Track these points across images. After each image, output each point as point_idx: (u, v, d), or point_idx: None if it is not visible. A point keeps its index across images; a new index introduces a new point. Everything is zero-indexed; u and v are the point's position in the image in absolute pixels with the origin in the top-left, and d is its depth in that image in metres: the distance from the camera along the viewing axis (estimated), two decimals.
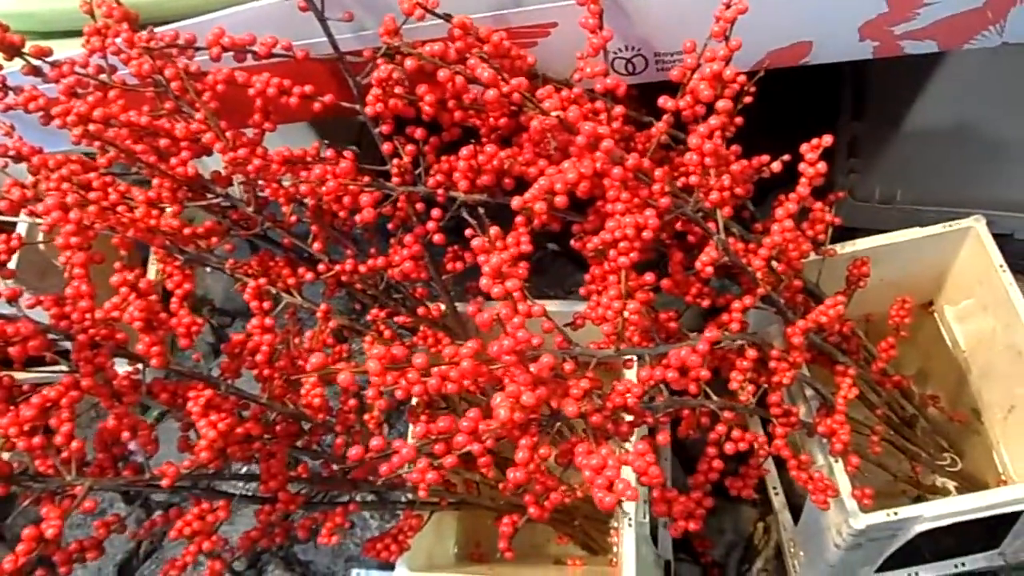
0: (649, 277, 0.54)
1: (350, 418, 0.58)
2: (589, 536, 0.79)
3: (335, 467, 0.60)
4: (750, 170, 0.53)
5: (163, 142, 0.54)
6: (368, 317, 0.67)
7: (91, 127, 0.48)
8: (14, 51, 0.52)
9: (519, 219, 0.52)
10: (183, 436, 0.55)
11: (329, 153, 0.50)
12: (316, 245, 0.60)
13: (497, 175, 0.53)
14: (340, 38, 0.56)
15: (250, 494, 0.59)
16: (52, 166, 0.54)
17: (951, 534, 0.67)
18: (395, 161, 0.52)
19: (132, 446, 0.76)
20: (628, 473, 0.41)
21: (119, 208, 0.54)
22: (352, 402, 0.60)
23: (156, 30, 0.52)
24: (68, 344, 0.48)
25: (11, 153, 0.55)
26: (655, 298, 0.54)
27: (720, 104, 0.46)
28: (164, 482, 0.49)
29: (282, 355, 0.61)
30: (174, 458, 0.52)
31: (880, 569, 0.74)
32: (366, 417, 0.59)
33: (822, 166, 0.51)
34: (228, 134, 0.54)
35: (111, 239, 0.55)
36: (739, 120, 0.58)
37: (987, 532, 0.73)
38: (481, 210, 0.51)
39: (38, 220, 0.50)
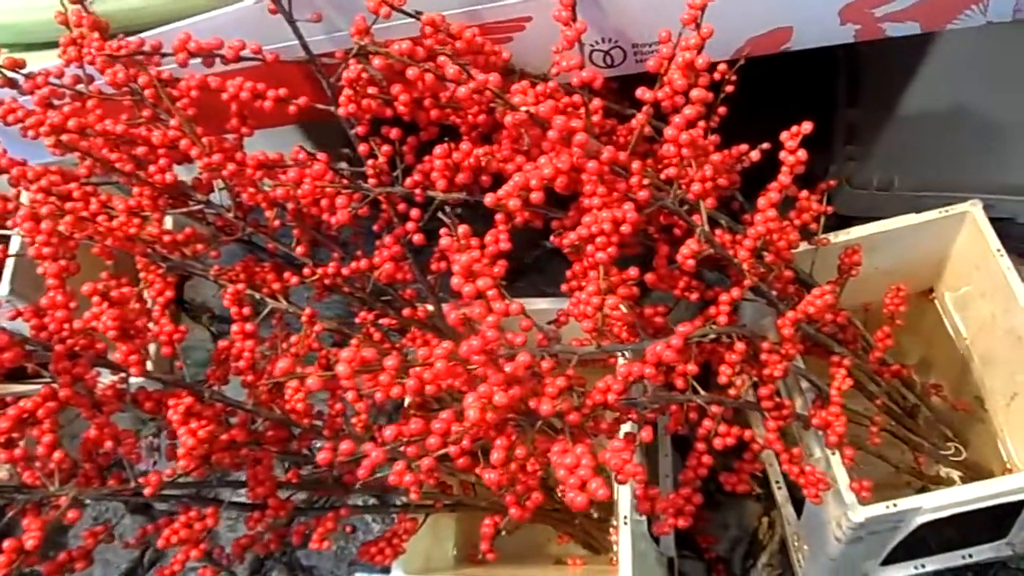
0: (633, 271, 0.53)
1: (337, 422, 0.58)
2: (590, 535, 0.78)
3: (327, 471, 0.60)
4: (731, 160, 0.52)
5: (140, 150, 0.54)
6: (357, 320, 0.67)
7: (64, 137, 0.48)
8: None
9: (498, 216, 0.52)
10: (170, 444, 0.55)
11: (302, 156, 0.50)
12: (299, 249, 0.60)
13: (474, 173, 0.53)
14: (314, 40, 0.56)
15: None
16: (31, 177, 0.54)
17: (956, 525, 0.65)
18: (370, 162, 0.52)
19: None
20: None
21: (99, 217, 0.55)
22: (339, 406, 0.59)
23: (128, 39, 0.52)
24: None
25: None
26: (639, 293, 0.54)
27: (695, 93, 0.46)
28: (147, 491, 0.49)
29: (271, 360, 0.61)
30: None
31: (885, 562, 0.72)
32: (353, 420, 0.59)
33: (802, 154, 0.50)
34: (205, 140, 0.53)
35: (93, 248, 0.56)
36: (722, 110, 0.58)
37: (993, 522, 0.72)
38: (458, 209, 0.51)
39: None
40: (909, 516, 0.62)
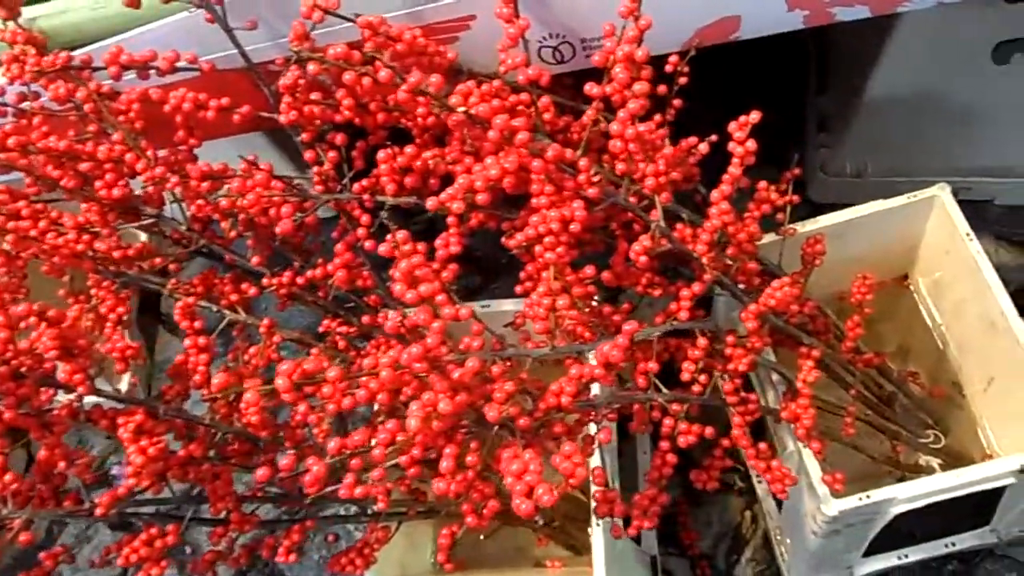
0: (589, 270, 0.53)
1: (298, 433, 0.57)
2: (571, 536, 0.77)
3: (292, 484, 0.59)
4: (682, 153, 0.51)
5: (85, 166, 0.53)
6: (320, 328, 0.66)
7: (2, 156, 0.47)
8: None
9: (450, 219, 0.51)
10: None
11: (243, 166, 0.49)
12: (255, 259, 0.59)
13: (423, 176, 0.52)
14: (258, 47, 0.55)
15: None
16: None
17: (939, 513, 0.65)
18: (315, 168, 0.51)
19: (116, 470, 0.75)
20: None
21: (49, 235, 0.54)
22: (300, 418, 0.58)
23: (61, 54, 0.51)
24: None
25: None
26: (595, 291, 0.53)
27: (637, 87, 0.45)
28: (99, 511, 0.48)
29: (229, 374, 0.61)
30: None
31: (867, 553, 0.72)
32: (315, 431, 0.58)
33: (751, 144, 0.49)
34: (150, 153, 0.53)
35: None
36: (677, 102, 0.57)
37: (976, 509, 0.71)
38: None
39: None
40: (883, 508, 0.61)
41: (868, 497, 0.60)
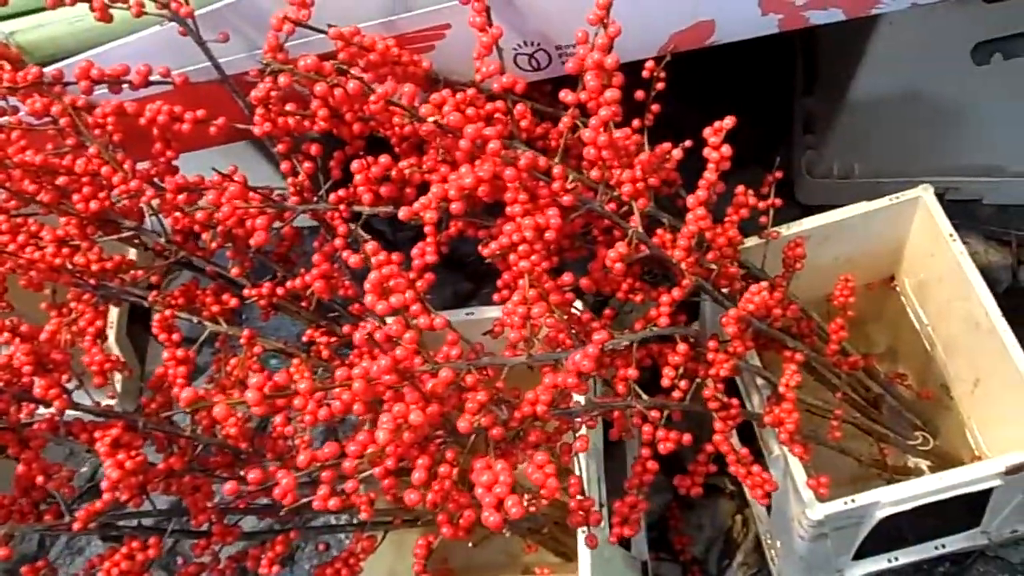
0: (567, 277, 0.52)
1: (279, 444, 0.57)
2: (560, 543, 0.77)
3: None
4: (657, 159, 0.51)
5: (62, 179, 0.53)
6: (304, 338, 0.66)
7: None
8: None
9: (426, 228, 0.51)
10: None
11: (216, 177, 0.49)
12: (235, 270, 0.59)
13: (399, 185, 0.52)
14: (234, 59, 0.55)
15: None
16: None
17: (928, 515, 0.64)
18: (290, 179, 0.51)
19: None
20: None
21: (27, 249, 0.54)
22: (285, 429, 0.58)
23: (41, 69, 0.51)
24: None
25: None
26: (574, 298, 0.53)
27: (608, 94, 0.45)
28: (76, 525, 0.48)
29: (216, 384, 0.61)
30: None
31: (858, 556, 0.71)
32: (297, 441, 0.58)
33: (726, 150, 0.49)
34: (127, 165, 0.53)
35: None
36: (656, 107, 0.57)
37: (967, 511, 0.71)
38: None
39: None
40: (870, 511, 0.61)
41: (853, 501, 0.59)
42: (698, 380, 0.56)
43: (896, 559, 0.72)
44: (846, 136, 0.83)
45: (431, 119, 0.43)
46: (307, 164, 0.52)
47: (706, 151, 0.50)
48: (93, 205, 0.53)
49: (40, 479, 0.49)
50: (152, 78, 0.51)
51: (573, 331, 0.52)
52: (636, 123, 0.56)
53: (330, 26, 0.49)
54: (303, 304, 0.64)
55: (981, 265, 0.69)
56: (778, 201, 0.62)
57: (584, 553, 0.62)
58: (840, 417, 0.65)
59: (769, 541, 0.79)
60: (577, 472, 0.48)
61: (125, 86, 0.50)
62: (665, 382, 0.54)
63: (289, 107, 0.50)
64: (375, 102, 0.42)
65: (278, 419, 0.50)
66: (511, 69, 0.56)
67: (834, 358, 0.66)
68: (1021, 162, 0.82)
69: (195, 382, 0.70)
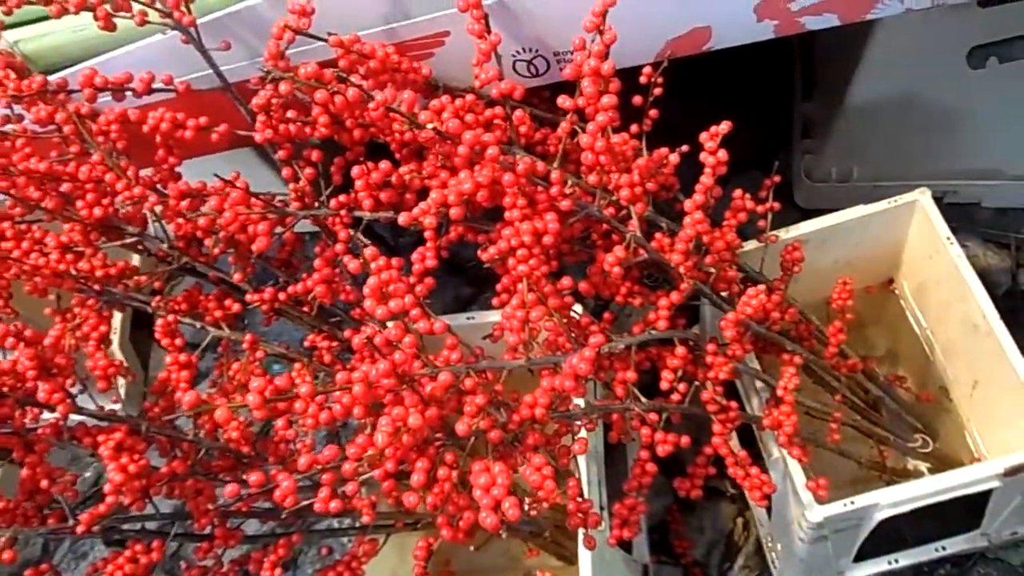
0: (566, 281, 0.53)
1: (281, 448, 0.57)
2: (562, 546, 0.77)
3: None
4: (654, 164, 0.51)
5: (66, 186, 0.53)
6: (306, 343, 0.66)
7: None
8: None
9: (426, 234, 0.51)
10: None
11: (218, 183, 0.50)
12: (237, 276, 0.59)
13: (400, 191, 0.52)
14: (237, 66, 0.55)
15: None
16: None
17: (928, 517, 0.65)
18: (292, 185, 0.51)
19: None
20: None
21: (32, 255, 0.55)
22: (287, 432, 0.59)
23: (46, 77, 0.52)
24: None
25: None
26: (572, 302, 0.53)
27: (604, 100, 0.45)
28: (80, 529, 0.48)
29: (220, 388, 0.61)
30: None
31: (858, 558, 0.71)
32: (299, 445, 0.58)
33: (723, 154, 0.49)
34: (131, 172, 0.53)
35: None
36: (653, 113, 0.57)
37: (966, 513, 0.71)
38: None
39: None
40: (869, 513, 0.61)
41: (852, 503, 0.60)
42: (697, 383, 0.57)
43: (896, 561, 0.72)
44: (844, 140, 0.83)
45: (430, 126, 0.43)
46: (308, 170, 0.53)
47: (703, 156, 0.50)
48: (97, 211, 0.54)
49: (44, 483, 0.50)
50: (155, 86, 0.51)
51: (572, 335, 0.53)
52: (634, 128, 0.56)
53: (330, 34, 0.49)
54: (305, 309, 0.65)
55: (979, 268, 0.69)
56: (776, 205, 0.63)
57: (584, 555, 0.62)
58: (839, 419, 0.65)
59: (770, 544, 0.79)
60: (576, 475, 0.48)
61: (128, 93, 0.51)
62: (664, 385, 0.55)
63: (290, 114, 0.51)
64: (375, 109, 0.43)
65: (280, 423, 0.50)
66: (510, 75, 0.56)
67: (833, 361, 0.66)
68: (1019, 165, 0.82)
69: (197, 387, 0.71)
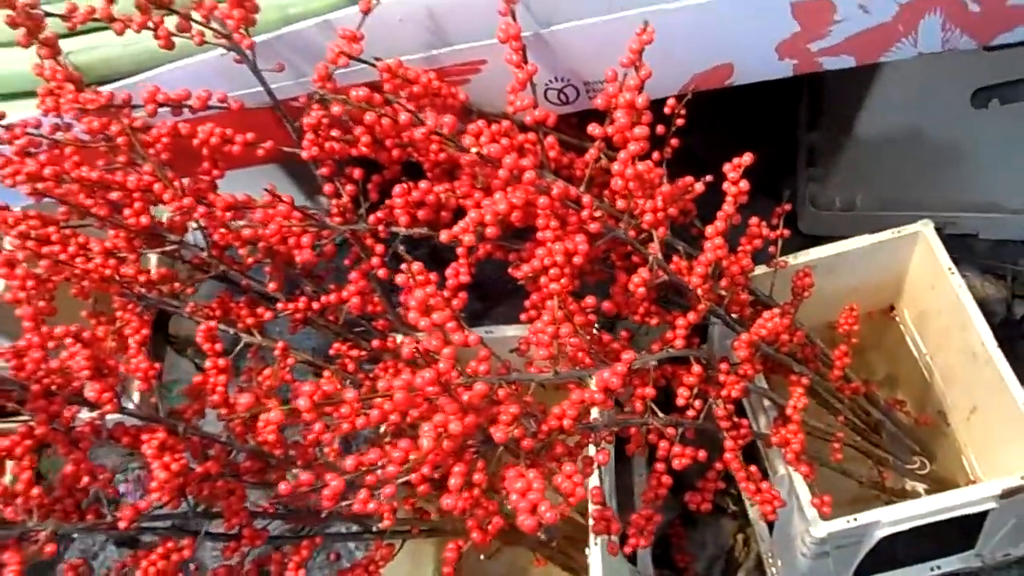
0: (590, 300, 0.56)
1: (309, 452, 0.60)
2: (570, 557, 0.79)
3: (303, 501, 0.62)
4: (679, 191, 0.54)
5: (115, 194, 0.56)
6: (331, 351, 0.69)
7: (40, 185, 0.50)
8: None
9: (459, 250, 0.54)
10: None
11: (267, 197, 0.52)
12: (272, 285, 0.62)
13: (435, 209, 0.55)
14: (282, 85, 0.58)
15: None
16: (11, 223, 0.56)
17: (925, 537, 0.67)
18: (334, 201, 0.54)
19: (123, 488, 0.77)
20: None
21: (77, 260, 0.57)
22: (312, 436, 0.61)
23: (102, 88, 0.54)
24: None
25: None
26: (595, 320, 0.56)
27: (637, 131, 0.48)
28: (122, 524, 0.50)
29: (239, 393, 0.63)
30: None
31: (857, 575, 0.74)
32: (326, 450, 0.60)
33: (744, 184, 0.52)
34: (177, 183, 0.56)
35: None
36: (675, 142, 0.60)
37: (961, 533, 0.73)
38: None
39: None
40: (870, 530, 0.64)
41: (855, 519, 0.62)
42: (710, 400, 0.59)
43: None
44: (849, 170, 0.87)
45: (474, 150, 0.46)
46: (349, 187, 0.55)
47: (725, 185, 0.53)
48: (143, 219, 0.56)
49: (86, 479, 0.52)
50: (210, 103, 0.54)
51: (593, 350, 0.55)
52: (656, 156, 0.59)
53: (377, 59, 0.52)
54: (331, 318, 0.67)
55: (977, 297, 0.72)
56: (787, 232, 0.66)
57: (597, 564, 0.64)
58: (841, 440, 0.68)
59: (770, 560, 0.82)
60: (596, 483, 0.51)
61: (184, 109, 0.53)
62: (680, 401, 0.57)
63: (334, 133, 0.53)
64: (425, 134, 0.45)
65: (316, 427, 0.52)
66: (541, 102, 0.59)
67: (837, 383, 0.69)
68: (1016, 200, 0.86)
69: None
